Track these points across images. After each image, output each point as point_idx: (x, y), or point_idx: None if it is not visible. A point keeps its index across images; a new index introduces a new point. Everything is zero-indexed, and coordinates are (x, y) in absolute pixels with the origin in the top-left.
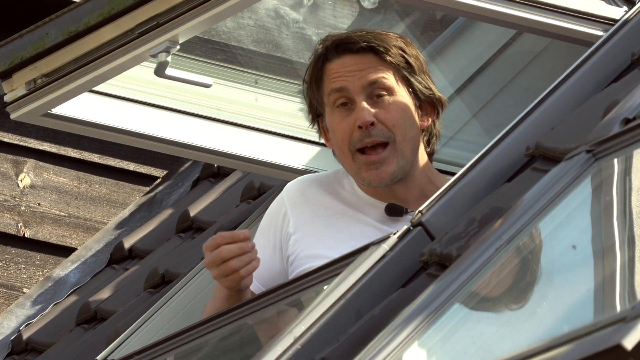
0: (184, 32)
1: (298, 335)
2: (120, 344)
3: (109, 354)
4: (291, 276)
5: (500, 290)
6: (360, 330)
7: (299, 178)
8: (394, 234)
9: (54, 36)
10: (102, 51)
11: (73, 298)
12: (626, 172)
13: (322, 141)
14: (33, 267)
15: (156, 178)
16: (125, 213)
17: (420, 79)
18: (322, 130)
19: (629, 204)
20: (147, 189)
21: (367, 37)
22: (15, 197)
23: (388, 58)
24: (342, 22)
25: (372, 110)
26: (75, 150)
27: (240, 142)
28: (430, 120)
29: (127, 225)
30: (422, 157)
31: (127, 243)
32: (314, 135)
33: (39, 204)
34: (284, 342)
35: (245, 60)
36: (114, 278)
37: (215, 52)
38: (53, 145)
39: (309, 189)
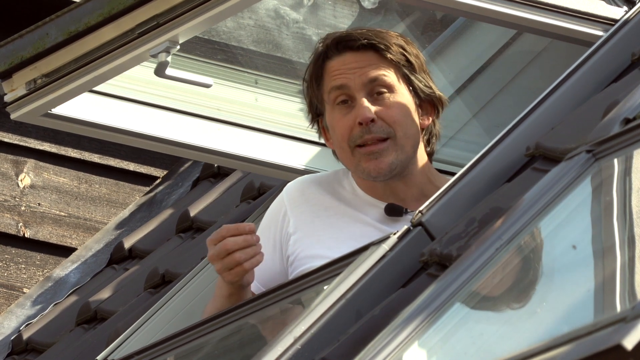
0: (184, 32)
1: (298, 335)
2: (121, 344)
3: (109, 354)
4: (291, 276)
5: (500, 291)
6: (360, 330)
7: (299, 178)
8: (394, 234)
9: (54, 36)
10: (102, 51)
11: (73, 298)
12: (626, 172)
13: (322, 141)
14: (33, 267)
15: (156, 178)
16: (125, 213)
17: (420, 78)
18: (322, 130)
19: (629, 204)
20: (147, 189)
21: (368, 34)
22: (15, 197)
23: (389, 56)
24: (342, 22)
25: (373, 108)
26: (75, 150)
27: (240, 142)
28: (430, 119)
29: (127, 225)
30: (422, 156)
31: (127, 243)
32: (314, 136)
33: (39, 204)
34: (284, 342)
35: (245, 60)
36: (114, 278)
37: (216, 52)
38: (53, 145)
39: (309, 189)
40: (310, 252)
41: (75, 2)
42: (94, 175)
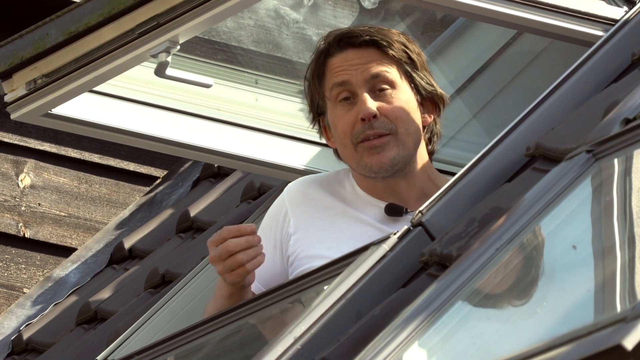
0: (184, 32)
1: (298, 336)
2: (121, 344)
3: (109, 354)
4: (291, 276)
5: (501, 289)
6: (360, 330)
7: (300, 179)
8: (394, 234)
9: (54, 36)
10: (102, 51)
11: (73, 298)
12: (626, 172)
13: (323, 141)
14: (33, 267)
15: (156, 178)
16: (125, 213)
17: (422, 75)
18: (324, 129)
19: (629, 204)
20: (147, 189)
21: (370, 31)
22: (15, 197)
23: (391, 52)
24: (342, 22)
25: (375, 104)
26: (75, 150)
27: (240, 142)
28: (432, 117)
29: (127, 225)
30: (423, 154)
31: (128, 243)
32: (314, 136)
33: (39, 204)
34: (284, 342)
35: (245, 61)
36: (114, 278)
37: (216, 52)
38: (53, 145)
39: (309, 189)
40: (311, 252)
41: (75, 2)
42: (94, 176)
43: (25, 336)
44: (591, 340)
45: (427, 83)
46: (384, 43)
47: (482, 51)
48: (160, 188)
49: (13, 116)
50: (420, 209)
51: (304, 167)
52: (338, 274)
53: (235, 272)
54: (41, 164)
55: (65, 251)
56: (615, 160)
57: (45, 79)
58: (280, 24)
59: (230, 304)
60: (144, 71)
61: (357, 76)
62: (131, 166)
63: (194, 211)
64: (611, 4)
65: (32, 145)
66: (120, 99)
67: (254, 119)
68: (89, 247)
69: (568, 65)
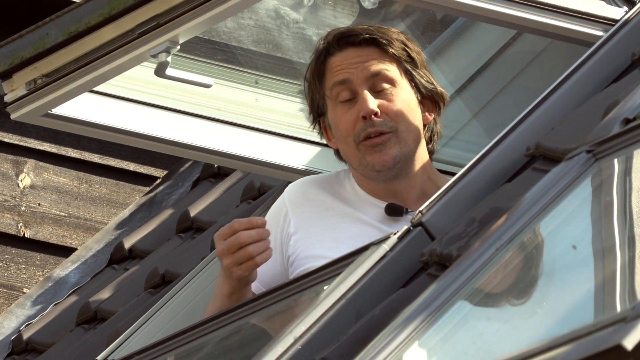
0: (184, 32)
1: (298, 336)
2: (121, 344)
3: (109, 354)
4: (292, 276)
5: (500, 289)
6: (360, 331)
7: (300, 179)
8: (394, 234)
9: (54, 36)
10: (102, 51)
11: (73, 298)
12: (626, 172)
13: (323, 141)
14: (33, 267)
15: (156, 178)
16: (125, 213)
17: (422, 73)
18: (324, 130)
19: (629, 204)
20: (147, 189)
21: (370, 29)
22: (15, 197)
23: (391, 50)
24: (342, 22)
25: (376, 101)
26: (75, 150)
27: (240, 142)
28: (432, 116)
29: (127, 225)
30: (424, 153)
31: (127, 243)
32: (314, 136)
33: (39, 204)
34: (284, 342)
35: (245, 61)
36: (114, 278)
37: (216, 53)
38: (53, 145)
39: (310, 189)
40: (311, 252)
41: (75, 2)
42: (94, 175)
43: (25, 336)
44: (591, 340)
45: (427, 81)
46: (384, 41)
47: (482, 51)
48: (160, 188)
49: (13, 116)
50: (420, 209)
51: (304, 167)
52: (338, 274)
53: (244, 265)
54: (41, 164)
55: (65, 251)
56: (615, 160)
57: (45, 79)
58: (280, 24)
59: (231, 303)
60: (144, 71)
61: (358, 74)
62: (131, 166)
63: (194, 211)
64: (611, 4)
65: (32, 145)
66: (120, 99)
67: (254, 119)
68: (89, 247)
69: (568, 65)
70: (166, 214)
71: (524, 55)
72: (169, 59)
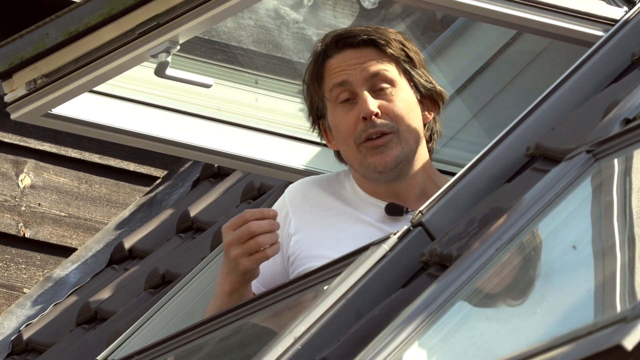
0: (184, 32)
1: (298, 336)
2: (121, 344)
3: (109, 354)
4: (292, 276)
5: (500, 291)
6: (360, 331)
7: (301, 180)
8: (394, 234)
9: (54, 36)
10: (102, 51)
11: (73, 298)
12: (626, 173)
13: (323, 141)
14: (33, 267)
15: (156, 178)
16: (125, 213)
17: (421, 73)
18: (324, 132)
19: (629, 204)
20: (147, 189)
21: (367, 30)
22: (15, 197)
23: (389, 51)
24: (342, 22)
25: (375, 102)
26: (75, 150)
27: (240, 142)
28: (432, 115)
29: (127, 225)
30: (424, 153)
31: (128, 243)
32: (314, 136)
33: (39, 204)
34: (284, 342)
35: (245, 61)
36: (114, 278)
37: (216, 53)
38: (53, 145)
39: (310, 190)
40: (311, 252)
41: (75, 2)
42: (94, 176)
43: (25, 336)
44: (591, 340)
45: (426, 81)
46: (382, 42)
47: (482, 51)
48: (160, 188)
49: (13, 116)
50: (420, 209)
51: (304, 167)
52: (338, 274)
53: (253, 257)
54: (41, 164)
55: (65, 251)
56: (615, 160)
57: (45, 79)
58: (280, 24)
59: (231, 302)
60: (144, 71)
61: (357, 76)
62: (131, 166)
63: (194, 211)
64: (611, 4)
65: (32, 145)
66: (120, 99)
67: (254, 119)
68: (89, 247)
69: (568, 65)
70: (166, 214)
71: (524, 55)
72: (169, 59)
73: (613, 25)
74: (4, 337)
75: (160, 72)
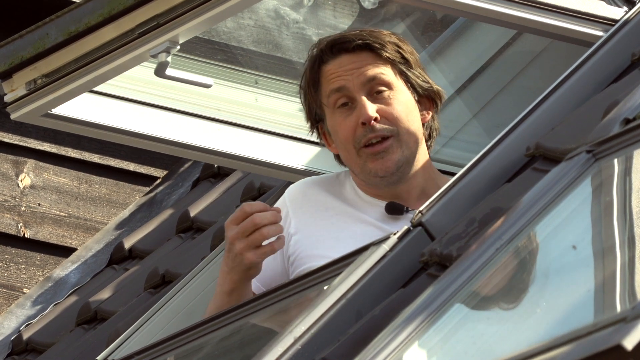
0: (184, 32)
1: (298, 336)
2: (121, 344)
3: (109, 354)
4: (292, 276)
5: (499, 291)
6: (360, 331)
7: (301, 180)
8: (394, 234)
9: (54, 36)
10: (102, 51)
11: (73, 298)
12: (626, 173)
13: (322, 142)
14: (33, 267)
15: (156, 178)
16: (125, 213)
17: (417, 73)
18: (323, 135)
19: (629, 204)
20: (147, 189)
21: (362, 35)
22: (15, 198)
23: (384, 54)
24: (342, 22)
25: (374, 106)
26: (75, 150)
27: (240, 142)
28: (430, 114)
29: (127, 225)
30: (424, 152)
31: (127, 243)
32: (314, 136)
33: (39, 204)
34: (284, 342)
35: (245, 61)
36: (114, 278)
37: (216, 53)
38: (53, 145)
39: (310, 190)
40: (311, 252)
41: (75, 2)
42: (94, 176)
43: (25, 336)
44: (591, 340)
45: (423, 80)
46: (377, 45)
47: (482, 51)
48: (160, 188)
49: (13, 116)
50: (420, 209)
51: (304, 167)
52: (338, 274)
53: (259, 250)
54: (41, 164)
55: (65, 251)
56: (615, 160)
57: (45, 79)
58: (280, 24)
59: (231, 301)
60: (144, 71)
61: (354, 81)
62: (131, 166)
63: (194, 211)
64: (611, 4)
65: (32, 145)
66: (120, 99)
67: (254, 119)
68: (89, 247)
69: (568, 65)
70: (166, 214)
71: (524, 55)
72: (169, 59)
73: (613, 25)
74: (4, 337)
75: (160, 72)
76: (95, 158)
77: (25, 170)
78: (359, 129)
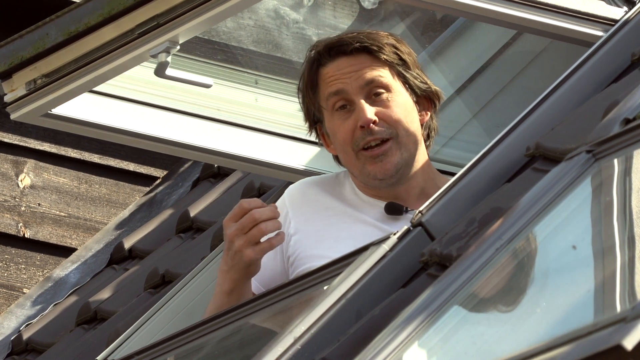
0: (184, 32)
1: (298, 336)
2: (121, 344)
3: (109, 354)
4: (292, 276)
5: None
6: (360, 331)
7: (301, 180)
8: (394, 234)
9: (54, 36)
10: (102, 51)
11: (73, 298)
12: (626, 173)
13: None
14: (33, 267)
15: (156, 178)
16: (125, 213)
17: (415, 74)
18: (322, 136)
19: (629, 204)
20: (147, 189)
21: (359, 37)
22: (15, 198)
23: (382, 56)
24: (342, 22)
25: (372, 109)
26: (75, 150)
27: (240, 142)
28: (428, 114)
29: (127, 225)
30: (423, 153)
31: (127, 243)
32: (314, 136)
33: (39, 204)
34: (284, 342)
35: (245, 61)
36: (114, 278)
37: (216, 53)
38: (53, 145)
39: (310, 190)
40: (311, 252)
41: (75, 2)
42: (94, 176)
43: (25, 336)
44: (591, 340)
45: (421, 81)
46: (375, 48)
47: (482, 51)
48: (160, 188)
49: (13, 116)
50: (420, 209)
51: (304, 167)
52: (338, 274)
53: (258, 246)
54: (41, 164)
55: (65, 251)
56: (615, 160)
57: (45, 79)
58: (280, 24)
59: (231, 301)
60: (144, 71)
61: (352, 84)
62: (131, 166)
63: (193, 211)
64: (611, 4)
65: (32, 145)
66: (120, 99)
67: (254, 119)
68: (89, 247)
69: (568, 65)
70: (166, 214)
71: (524, 55)
72: (169, 59)
73: (613, 25)
74: (4, 337)
75: (160, 72)
76: (95, 158)
77: (25, 170)
78: (358, 132)
